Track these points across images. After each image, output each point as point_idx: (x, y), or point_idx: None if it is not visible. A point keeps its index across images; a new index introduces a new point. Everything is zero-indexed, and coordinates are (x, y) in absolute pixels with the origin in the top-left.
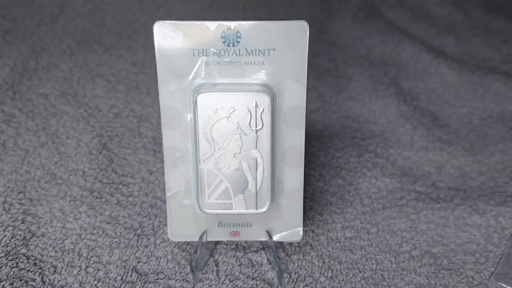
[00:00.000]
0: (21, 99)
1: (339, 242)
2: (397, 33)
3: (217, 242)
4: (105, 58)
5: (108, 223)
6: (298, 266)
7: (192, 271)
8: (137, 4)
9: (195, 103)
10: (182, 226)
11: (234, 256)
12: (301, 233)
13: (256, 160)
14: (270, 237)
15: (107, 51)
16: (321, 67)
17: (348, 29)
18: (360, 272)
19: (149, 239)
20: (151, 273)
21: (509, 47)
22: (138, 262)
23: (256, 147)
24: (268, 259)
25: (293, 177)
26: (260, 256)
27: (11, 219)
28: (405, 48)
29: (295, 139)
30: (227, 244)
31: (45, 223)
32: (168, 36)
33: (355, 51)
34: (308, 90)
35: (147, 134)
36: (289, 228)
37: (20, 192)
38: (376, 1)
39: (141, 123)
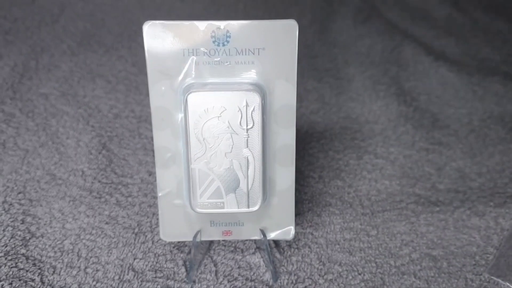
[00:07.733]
0: (21, 99)
1: (338, 244)
2: (397, 33)
3: (214, 244)
4: (106, 58)
5: (107, 223)
6: (297, 268)
7: (186, 270)
8: (137, 4)
9: (185, 102)
10: (174, 226)
11: (232, 259)
12: (293, 231)
13: (248, 159)
14: (264, 235)
15: (108, 51)
16: (321, 68)
17: (348, 29)
18: (359, 274)
19: (146, 236)
20: (149, 271)
21: (509, 47)
22: (134, 259)
23: (247, 146)
24: (262, 258)
25: (285, 176)
26: (258, 258)
27: (11, 219)
28: (405, 48)
29: (286, 138)
30: (225, 246)
31: (45, 224)
32: (158, 36)
33: (355, 51)
34: (308, 91)
35: (147, 134)
36: (281, 227)
37: (20, 192)
38: (376, 1)
39: (140, 124)
